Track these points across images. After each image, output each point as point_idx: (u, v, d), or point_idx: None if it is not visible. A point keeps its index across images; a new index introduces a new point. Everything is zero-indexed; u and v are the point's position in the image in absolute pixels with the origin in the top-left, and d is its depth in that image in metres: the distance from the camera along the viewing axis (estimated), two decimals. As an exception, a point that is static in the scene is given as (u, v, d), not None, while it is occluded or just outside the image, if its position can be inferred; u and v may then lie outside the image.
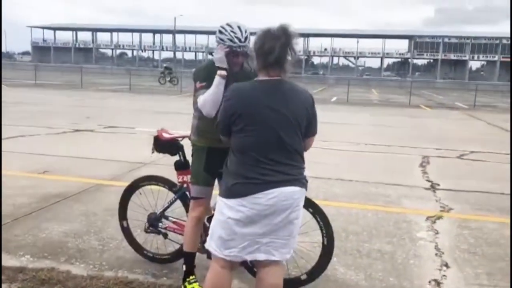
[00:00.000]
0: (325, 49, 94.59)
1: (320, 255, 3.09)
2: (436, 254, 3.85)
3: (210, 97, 2.70)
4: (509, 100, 29.75)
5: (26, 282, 3.05)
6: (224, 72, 2.70)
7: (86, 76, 31.33)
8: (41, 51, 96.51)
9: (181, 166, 3.19)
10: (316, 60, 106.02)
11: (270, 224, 2.35)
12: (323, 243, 3.06)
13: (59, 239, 3.86)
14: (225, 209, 2.36)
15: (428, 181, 6.43)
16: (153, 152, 3.28)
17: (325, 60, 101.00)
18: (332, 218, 4.56)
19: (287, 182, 2.36)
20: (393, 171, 7.02)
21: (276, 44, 2.27)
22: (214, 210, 3.13)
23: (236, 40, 2.73)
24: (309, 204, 3.02)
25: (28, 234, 3.92)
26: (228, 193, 2.36)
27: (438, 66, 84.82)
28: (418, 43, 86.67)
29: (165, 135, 3.22)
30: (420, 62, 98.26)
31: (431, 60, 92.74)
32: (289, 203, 2.36)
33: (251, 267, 3.09)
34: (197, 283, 2.99)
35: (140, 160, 6.74)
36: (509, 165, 7.50)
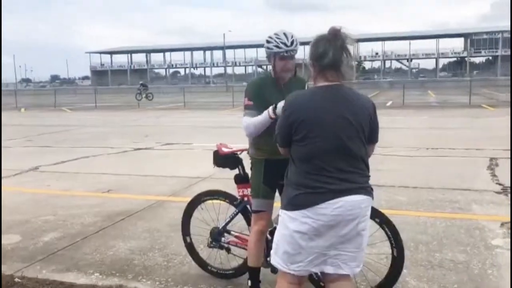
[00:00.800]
0: (376, 53, 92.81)
1: (390, 266, 2.95)
2: (516, 263, 3.57)
3: (255, 126, 2.77)
4: None
5: (97, 300, 3.12)
6: (273, 115, 2.67)
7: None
8: (99, 74, 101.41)
9: (241, 180, 3.17)
10: (367, 65, 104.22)
11: (336, 235, 2.25)
12: (392, 254, 2.92)
13: (125, 256, 3.94)
14: (288, 223, 2.27)
15: (499, 184, 6.06)
16: (214, 166, 3.29)
17: (376, 64, 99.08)
18: (398, 228, 4.40)
19: (353, 190, 2.26)
20: (460, 175, 6.67)
21: (329, 46, 2.22)
22: (276, 223, 3.08)
23: (282, 45, 2.72)
24: (375, 214, 2.90)
25: (96, 252, 4.03)
26: (291, 205, 2.27)
27: (498, 62, 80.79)
28: (475, 40, 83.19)
29: (224, 149, 3.22)
30: (477, 60, 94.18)
31: (490, 57, 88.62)
32: (356, 213, 2.25)
33: (317, 280, 2.99)
34: (263, 299, 2.93)
35: (198, 175, 6.82)
36: None
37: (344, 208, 2.22)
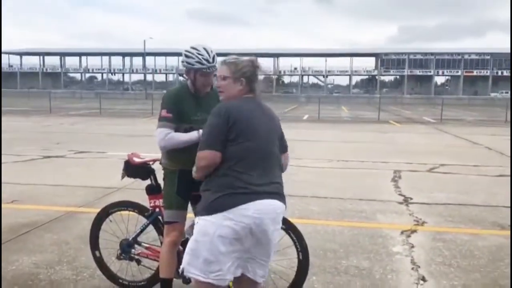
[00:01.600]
0: (295, 68, 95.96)
1: (297, 270, 3.09)
2: (412, 268, 3.89)
3: (178, 143, 2.77)
4: (473, 113, 30.73)
5: (-5, 318, 2.93)
6: (197, 137, 2.72)
7: (55, 101, 30.80)
8: (6, 77, 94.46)
9: (152, 190, 3.14)
10: (286, 79, 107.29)
11: (252, 239, 2.29)
12: (298, 258, 3.06)
13: (29, 270, 3.73)
14: (209, 228, 2.25)
15: (401, 195, 6.53)
16: (123, 177, 3.23)
17: (295, 79, 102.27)
18: (309, 236, 4.60)
19: (272, 195, 2.34)
20: (367, 186, 7.11)
21: (253, 69, 2.48)
22: (188, 234, 3.10)
23: (204, 61, 2.78)
24: (282, 221, 3.01)
25: (-3, 267, 3.77)
26: (211, 208, 2.26)
27: (405, 82, 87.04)
28: (385, 60, 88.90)
29: (136, 159, 3.16)
30: (387, 78, 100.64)
31: (398, 77, 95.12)
32: (273, 218, 2.33)
33: None
34: (175, 310, 2.93)
35: (113, 185, 6.61)
36: (477, 176, 7.70)
37: (265, 212, 2.28)
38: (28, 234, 4.63)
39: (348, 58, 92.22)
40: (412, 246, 4.41)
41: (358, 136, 15.14)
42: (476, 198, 6.34)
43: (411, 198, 6.31)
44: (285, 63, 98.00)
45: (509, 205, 5.83)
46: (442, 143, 13.59)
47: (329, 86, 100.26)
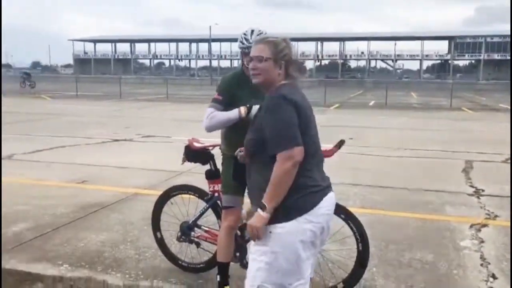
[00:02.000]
0: (362, 53, 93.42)
1: (356, 261, 3.01)
2: (481, 264, 3.65)
3: (219, 121, 2.77)
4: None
5: (64, 291, 3.09)
6: (245, 116, 2.68)
7: (124, 87, 32.13)
8: (82, 63, 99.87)
9: (212, 175, 3.17)
10: (353, 64, 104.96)
11: (322, 237, 2.17)
12: (358, 248, 2.98)
13: (96, 248, 3.90)
14: (288, 236, 2.02)
15: (472, 186, 6.16)
16: (184, 162, 3.27)
17: (362, 63, 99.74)
18: (371, 227, 4.47)
19: (329, 186, 2.24)
20: (435, 176, 6.77)
21: (291, 52, 2.21)
22: (245, 219, 3.09)
23: (244, 41, 2.77)
24: (341, 210, 2.95)
25: (67, 244, 3.98)
26: (289, 214, 2.02)
27: (481, 66, 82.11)
28: (459, 43, 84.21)
29: (196, 145, 3.20)
30: (461, 63, 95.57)
31: (473, 61, 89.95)
32: (332, 210, 2.25)
33: None
34: (231, 294, 2.94)
35: (176, 169, 6.77)
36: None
37: (331, 206, 2.19)
38: (96, 213, 4.86)
39: (419, 42, 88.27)
40: (482, 241, 4.14)
41: (427, 124, 14.48)
42: (557, 192, 5.84)
43: (483, 190, 5.93)
44: (351, 47, 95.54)
45: None
46: (520, 132, 12.67)
47: (398, 71, 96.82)
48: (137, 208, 5.03)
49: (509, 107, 21.84)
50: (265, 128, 2.08)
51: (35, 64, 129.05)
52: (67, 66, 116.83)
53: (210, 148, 3.21)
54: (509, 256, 3.79)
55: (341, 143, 2.98)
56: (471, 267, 3.61)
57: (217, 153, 3.19)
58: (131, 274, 3.42)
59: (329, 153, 2.94)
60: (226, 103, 2.79)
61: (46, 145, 9.03)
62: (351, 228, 2.96)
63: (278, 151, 2.02)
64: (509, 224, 4.61)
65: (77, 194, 5.57)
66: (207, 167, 3.23)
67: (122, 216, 4.76)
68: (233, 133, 2.83)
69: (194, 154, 3.20)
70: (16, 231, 4.26)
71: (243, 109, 2.69)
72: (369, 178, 6.55)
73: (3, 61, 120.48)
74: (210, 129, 2.81)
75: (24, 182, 6.17)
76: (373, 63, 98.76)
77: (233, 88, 2.81)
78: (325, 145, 2.91)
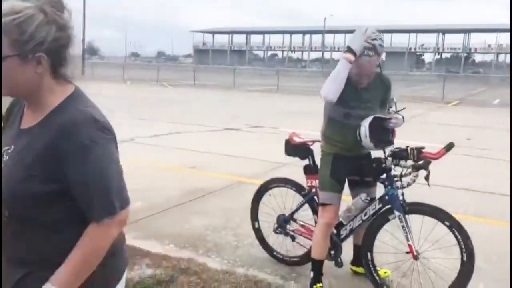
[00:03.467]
0: (489, 46, 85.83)
1: (459, 272, 2.84)
2: None
3: (333, 80, 2.66)
4: None
5: (168, 269, 3.33)
6: (352, 57, 2.60)
7: (238, 77, 33.20)
8: (201, 53, 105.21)
9: (310, 171, 3.17)
10: (478, 58, 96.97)
11: None
12: (462, 259, 2.79)
13: (200, 231, 4.14)
14: None
15: None
16: (286, 154, 3.32)
17: (489, 57, 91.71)
18: (481, 238, 4.13)
19: None
20: None
21: None
22: (342, 218, 3.05)
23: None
24: (445, 217, 2.81)
25: (175, 224, 4.28)
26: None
27: None
28: None
29: (296, 139, 3.22)
30: None
31: None
32: None
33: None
34: (323, 292, 2.93)
35: (281, 160, 6.87)
36: None
37: None
38: (203, 198, 5.14)
39: (559, 34, 78.48)
40: None
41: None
42: None
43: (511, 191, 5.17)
44: (478, 40, 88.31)
45: None
46: None
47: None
48: (240, 196, 5.20)
49: None
50: (76, 180, 1.26)
51: (160, 54, 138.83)
52: (188, 56, 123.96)
53: (310, 143, 3.21)
54: None
55: (450, 146, 2.79)
56: None
57: (317, 149, 3.18)
58: (229, 259, 3.57)
59: (436, 156, 2.78)
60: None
61: (163, 130, 9.71)
62: (456, 237, 2.78)
63: (104, 216, 1.29)
64: None
65: (187, 179, 5.93)
66: (306, 162, 3.24)
67: (225, 202, 4.98)
68: (331, 130, 2.81)
69: (294, 148, 3.23)
70: (130, 209, 4.65)
71: (349, 56, 2.61)
72: (485, 184, 6.05)
73: (132, 51, 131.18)
74: (328, 96, 2.69)
75: (141, 164, 6.71)
76: (501, 57, 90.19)
77: None
78: (434, 145, 2.76)
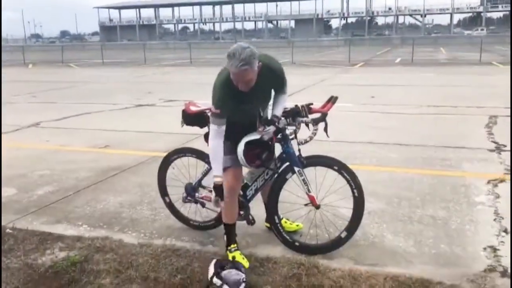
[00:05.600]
0: (389, 8, 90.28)
1: (353, 207, 3.08)
2: (495, 220, 3.63)
3: (213, 160, 2.88)
4: None
5: (82, 250, 3.25)
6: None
7: (149, 53, 32.25)
8: (108, 30, 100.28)
9: None
10: (380, 20, 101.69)
11: None
12: (353, 195, 3.04)
13: (114, 209, 4.06)
14: None
15: (494, 142, 6.04)
16: (182, 125, 3.31)
17: (390, 20, 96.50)
18: (384, 184, 4.50)
19: None
20: (456, 133, 6.65)
21: None
22: (247, 180, 3.14)
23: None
24: (334, 162, 3.03)
25: (87, 206, 4.15)
26: None
27: (516, 18, 78.09)
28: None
29: (192, 108, 3.20)
30: (494, 15, 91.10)
31: (508, 13, 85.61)
32: None
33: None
34: (238, 252, 3.03)
35: (196, 132, 6.84)
36: None
37: None
38: (116, 176, 5.02)
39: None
40: (498, 197, 4.10)
41: (454, 80, 14.08)
42: None
43: (504, 146, 5.81)
44: (379, 4, 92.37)
45: None
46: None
47: (428, 26, 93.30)
48: (156, 171, 5.11)
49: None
50: None
51: (64, 34, 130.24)
52: (94, 34, 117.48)
53: (207, 111, 3.20)
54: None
55: (334, 99, 2.98)
56: (484, 222, 3.60)
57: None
58: (146, 233, 3.55)
59: (325, 109, 2.96)
60: (226, 114, 2.81)
61: (72, 112, 9.26)
62: (345, 177, 3.00)
63: None
64: (528, 179, 4.53)
65: (99, 159, 5.74)
66: (206, 130, 3.25)
67: (140, 178, 4.90)
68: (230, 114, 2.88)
69: (191, 117, 3.19)
70: (40, 195, 4.46)
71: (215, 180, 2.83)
72: (387, 136, 6.49)
73: (32, 31, 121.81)
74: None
75: (49, 148, 6.39)
76: (401, 19, 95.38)
77: (227, 96, 2.79)
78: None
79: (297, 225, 3.42)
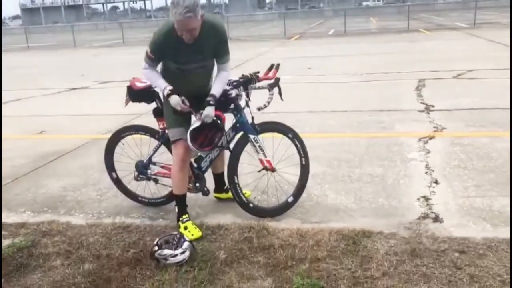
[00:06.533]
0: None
1: (300, 174, 3.30)
2: (426, 173, 3.91)
3: (151, 83, 3.01)
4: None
5: (28, 235, 3.18)
6: (165, 95, 2.92)
7: (79, 35, 30.74)
8: (31, 13, 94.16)
9: (159, 113, 3.18)
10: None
11: None
12: (301, 163, 3.25)
13: (58, 193, 3.97)
14: None
15: (423, 103, 6.42)
16: (127, 103, 3.27)
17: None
18: (324, 149, 4.68)
19: None
20: (388, 98, 6.99)
21: None
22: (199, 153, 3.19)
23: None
24: (289, 130, 3.19)
25: (28, 192, 4.03)
26: None
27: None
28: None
29: (138, 84, 3.17)
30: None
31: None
32: None
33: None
34: (190, 221, 3.09)
35: (135, 112, 6.73)
36: (509, 80, 7.41)
37: None
38: (56, 161, 4.88)
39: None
40: (428, 152, 4.41)
41: (384, 48, 14.61)
42: (503, 101, 6.13)
43: (433, 106, 6.19)
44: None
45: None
46: (473, 48, 13.01)
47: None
48: (97, 152, 4.99)
49: (465, 25, 22.16)
50: None
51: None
52: (16, 17, 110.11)
53: (154, 86, 3.20)
54: (453, 163, 4.06)
55: (277, 65, 3.10)
56: (416, 175, 3.87)
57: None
58: (94, 213, 3.52)
59: (272, 76, 3.05)
60: (158, 60, 2.90)
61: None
62: (296, 145, 3.16)
63: None
64: (455, 134, 4.90)
65: (35, 145, 5.54)
66: (154, 105, 3.25)
67: (82, 161, 4.80)
68: (168, 78, 2.91)
69: (138, 93, 3.17)
70: (-26, 186, 4.25)
71: (166, 91, 2.85)
72: (325, 104, 6.72)
73: None
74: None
75: (-21, 138, 6.05)
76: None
77: (163, 46, 2.83)
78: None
79: (245, 193, 3.52)
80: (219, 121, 2.92)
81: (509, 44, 12.36)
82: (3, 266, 2.79)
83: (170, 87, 2.83)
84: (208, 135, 2.94)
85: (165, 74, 2.96)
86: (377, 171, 4.01)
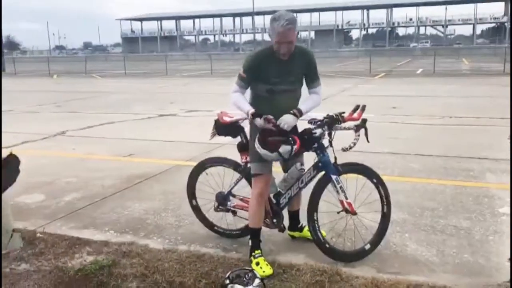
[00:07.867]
0: (411, 19, 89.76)
1: (380, 222, 3.19)
2: (519, 230, 3.59)
3: (236, 107, 3.02)
4: None
5: (109, 254, 3.34)
6: (250, 118, 2.95)
7: (171, 64, 32.69)
8: (130, 42, 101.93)
9: (243, 147, 3.24)
10: (401, 31, 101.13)
11: None
12: (382, 211, 3.14)
13: (139, 216, 4.15)
14: None
15: (518, 153, 5.96)
16: (213, 136, 3.37)
17: (411, 30, 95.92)
18: (406, 194, 4.50)
19: None
20: (479, 144, 6.59)
21: None
22: (280, 188, 3.19)
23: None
24: (373, 175, 3.10)
25: (113, 212, 4.26)
26: None
27: (541, 28, 76.75)
28: (516, 4, 78.88)
29: (226, 118, 3.27)
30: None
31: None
32: None
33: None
34: (262, 258, 3.07)
35: (218, 142, 6.93)
36: None
37: None
38: (140, 184, 5.13)
39: (472, 5, 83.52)
40: (523, 208, 4.06)
41: (476, 91, 13.93)
42: None
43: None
44: (400, 14, 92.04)
45: None
46: None
47: (450, 37, 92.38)
48: (179, 179, 5.22)
49: None
50: None
51: (87, 45, 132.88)
52: (116, 45, 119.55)
53: (240, 121, 3.28)
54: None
55: (363, 107, 3.04)
56: (508, 232, 3.56)
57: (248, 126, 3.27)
58: (171, 239, 3.63)
59: (357, 117, 3.03)
60: (249, 81, 2.95)
61: (97, 121, 9.47)
62: (379, 192, 3.06)
63: None
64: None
65: (123, 167, 5.87)
66: (239, 139, 3.32)
67: (164, 186, 5.00)
68: (257, 105, 2.94)
69: (224, 127, 3.27)
70: (68, 201, 4.59)
71: (251, 112, 2.90)
72: (409, 147, 6.48)
73: (56, 43, 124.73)
74: (233, 106, 3.03)
75: (75, 156, 6.56)
76: (422, 30, 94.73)
77: (255, 66, 2.92)
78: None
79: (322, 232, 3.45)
80: (291, 139, 2.90)
81: None
82: (86, 282, 2.95)
83: (253, 110, 2.89)
84: (274, 137, 2.92)
85: (253, 102, 3.02)
86: (464, 224, 3.75)
